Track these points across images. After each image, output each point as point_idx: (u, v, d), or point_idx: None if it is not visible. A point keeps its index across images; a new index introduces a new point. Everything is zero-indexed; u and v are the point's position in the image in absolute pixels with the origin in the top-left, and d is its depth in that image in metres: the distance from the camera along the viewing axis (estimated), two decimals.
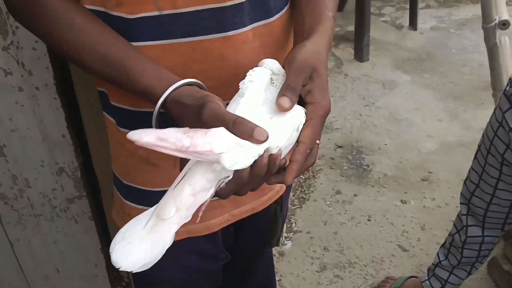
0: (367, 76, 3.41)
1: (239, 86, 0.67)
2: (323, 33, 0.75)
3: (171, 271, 0.99)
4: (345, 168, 2.61)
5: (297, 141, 0.66)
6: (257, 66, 0.70)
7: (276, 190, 1.02)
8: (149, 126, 0.69)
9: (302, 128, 0.66)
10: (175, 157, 0.56)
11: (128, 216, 0.94)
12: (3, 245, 1.43)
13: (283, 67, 0.70)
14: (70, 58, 0.75)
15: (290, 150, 0.66)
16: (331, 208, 2.37)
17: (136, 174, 0.90)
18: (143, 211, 0.61)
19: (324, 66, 0.70)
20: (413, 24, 3.97)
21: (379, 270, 2.03)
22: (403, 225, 2.25)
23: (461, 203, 1.56)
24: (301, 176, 2.53)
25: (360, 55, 3.55)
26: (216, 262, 1.05)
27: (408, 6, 3.98)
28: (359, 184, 2.50)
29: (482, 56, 2.60)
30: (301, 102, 0.68)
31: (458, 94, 3.16)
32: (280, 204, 1.06)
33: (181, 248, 0.93)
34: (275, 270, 1.99)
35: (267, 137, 0.58)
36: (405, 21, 4.06)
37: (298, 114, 0.65)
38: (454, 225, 1.62)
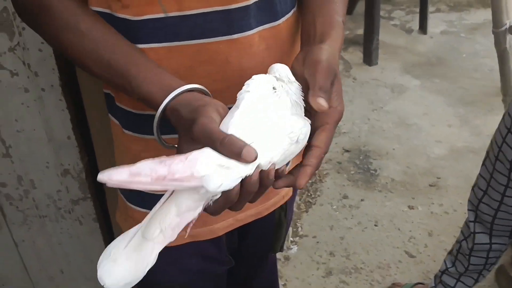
0: (376, 80, 3.39)
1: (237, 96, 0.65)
2: (335, 39, 0.74)
3: (174, 274, 0.99)
4: (352, 172, 2.59)
5: (312, 145, 0.65)
6: (266, 70, 0.69)
7: (281, 195, 1.01)
8: (152, 129, 0.69)
9: (317, 132, 0.66)
10: None
11: (131, 219, 0.94)
12: (8, 245, 1.43)
13: (291, 69, 0.70)
14: (74, 61, 0.75)
15: (291, 160, 0.64)
16: (337, 212, 2.35)
17: None
18: (147, 215, 0.60)
19: (338, 72, 0.70)
20: (423, 28, 3.95)
21: (386, 276, 2.02)
22: (410, 231, 2.23)
23: (468, 210, 1.54)
24: None
25: (369, 58, 3.53)
26: (220, 266, 1.05)
27: (418, 10, 3.96)
28: (367, 189, 2.48)
29: (494, 61, 2.57)
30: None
31: (468, 100, 3.13)
32: (284, 210, 1.05)
33: (185, 252, 0.92)
34: (280, 274, 1.99)
35: (256, 157, 0.56)
36: (415, 25, 4.04)
37: (297, 125, 0.63)
38: (462, 232, 1.60)
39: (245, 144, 0.56)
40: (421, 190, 2.46)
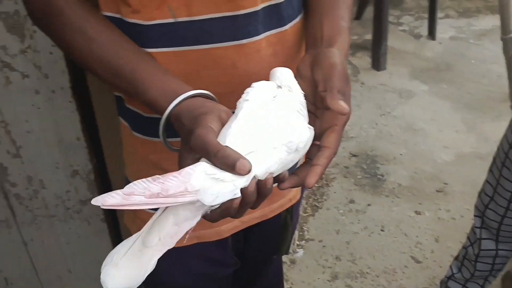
0: (383, 85, 3.39)
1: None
2: (342, 45, 0.75)
3: (180, 275, 0.99)
4: (359, 177, 2.59)
5: (322, 146, 0.65)
6: (270, 73, 0.70)
7: (288, 198, 1.02)
8: None
9: (326, 133, 0.66)
10: None
11: (139, 220, 0.94)
12: (17, 244, 1.45)
13: (296, 71, 0.70)
14: (82, 65, 0.76)
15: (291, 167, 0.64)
16: (344, 217, 2.35)
17: None
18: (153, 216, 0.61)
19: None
20: (431, 33, 3.95)
21: (391, 281, 2.01)
22: (417, 236, 2.23)
23: (475, 216, 1.54)
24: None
25: (377, 63, 3.54)
26: (225, 268, 1.05)
27: (427, 15, 3.96)
28: (373, 194, 2.48)
29: (502, 67, 2.56)
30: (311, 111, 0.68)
31: (476, 105, 3.13)
32: (290, 213, 1.05)
33: (191, 253, 0.93)
34: (286, 278, 1.99)
35: (250, 169, 0.56)
36: (424, 30, 4.04)
37: (297, 134, 0.63)
38: (468, 237, 1.60)
39: (239, 157, 0.56)
40: (428, 195, 2.45)
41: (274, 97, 0.65)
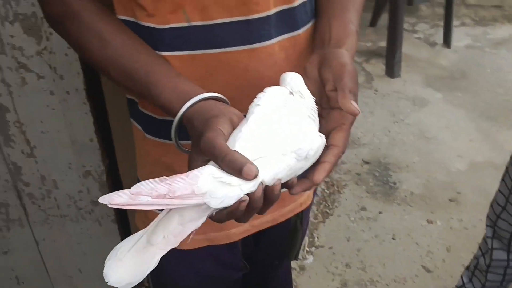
0: (397, 92, 3.38)
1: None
2: (350, 47, 0.75)
3: (189, 277, 0.99)
4: (371, 184, 2.58)
5: (330, 144, 0.65)
6: (279, 78, 0.70)
7: (299, 203, 1.02)
8: None
9: (334, 132, 0.66)
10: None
11: (150, 222, 0.95)
12: (29, 243, 1.46)
13: (304, 73, 0.71)
14: (97, 68, 0.77)
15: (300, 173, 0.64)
16: (355, 224, 2.34)
17: None
18: None
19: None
20: (447, 41, 3.93)
21: None
22: (428, 245, 2.21)
23: (487, 226, 1.52)
24: (325, 191, 2.52)
25: (392, 71, 3.52)
26: (235, 271, 1.05)
27: (442, 23, 3.94)
28: (385, 202, 2.47)
29: None
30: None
31: (491, 114, 3.10)
32: (300, 218, 1.05)
33: (201, 255, 0.94)
34: (295, 284, 1.98)
35: (257, 174, 0.56)
36: (439, 38, 4.02)
37: (307, 141, 0.62)
38: (480, 247, 1.58)
39: (246, 161, 0.56)
40: (440, 204, 2.43)
41: (286, 102, 0.65)
